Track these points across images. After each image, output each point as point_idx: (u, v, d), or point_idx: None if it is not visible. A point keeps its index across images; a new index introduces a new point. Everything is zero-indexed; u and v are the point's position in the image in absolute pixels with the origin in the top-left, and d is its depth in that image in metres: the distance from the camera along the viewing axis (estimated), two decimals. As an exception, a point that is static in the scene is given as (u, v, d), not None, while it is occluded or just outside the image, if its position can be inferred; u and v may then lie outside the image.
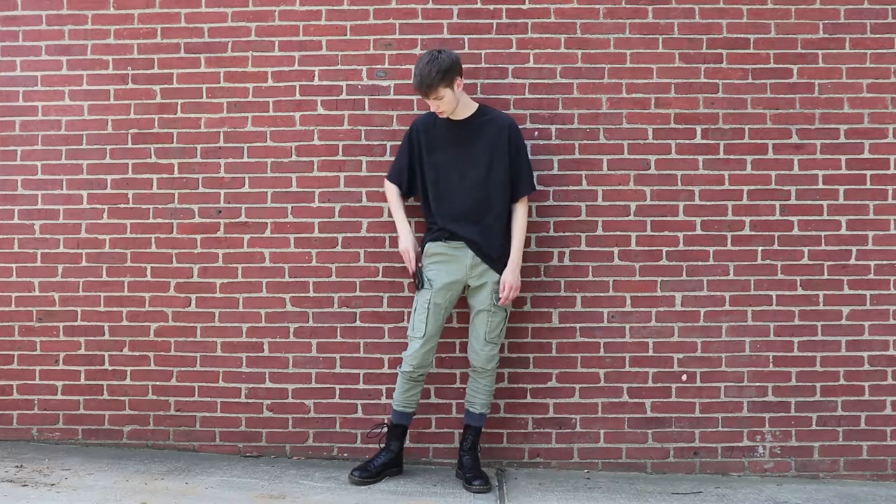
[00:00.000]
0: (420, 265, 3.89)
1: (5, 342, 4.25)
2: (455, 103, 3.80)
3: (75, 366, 4.24)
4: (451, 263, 3.84)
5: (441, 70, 3.69)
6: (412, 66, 4.05)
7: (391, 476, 3.92)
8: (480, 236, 3.83)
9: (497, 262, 3.86)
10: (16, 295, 4.25)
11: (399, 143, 4.08)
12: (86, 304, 4.23)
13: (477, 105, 3.91)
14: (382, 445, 3.94)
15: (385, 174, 4.07)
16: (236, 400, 4.21)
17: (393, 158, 4.09)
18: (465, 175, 3.84)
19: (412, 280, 3.91)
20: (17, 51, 4.27)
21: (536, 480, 3.96)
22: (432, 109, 3.82)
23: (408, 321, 4.09)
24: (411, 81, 3.96)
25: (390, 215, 4.06)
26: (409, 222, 3.98)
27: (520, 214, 3.92)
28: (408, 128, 4.00)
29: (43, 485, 3.63)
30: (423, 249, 3.93)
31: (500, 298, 3.84)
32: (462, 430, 4.00)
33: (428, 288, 3.84)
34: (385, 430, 3.97)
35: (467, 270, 3.85)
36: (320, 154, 4.21)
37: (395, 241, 4.09)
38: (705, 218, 4.16)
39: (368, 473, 3.83)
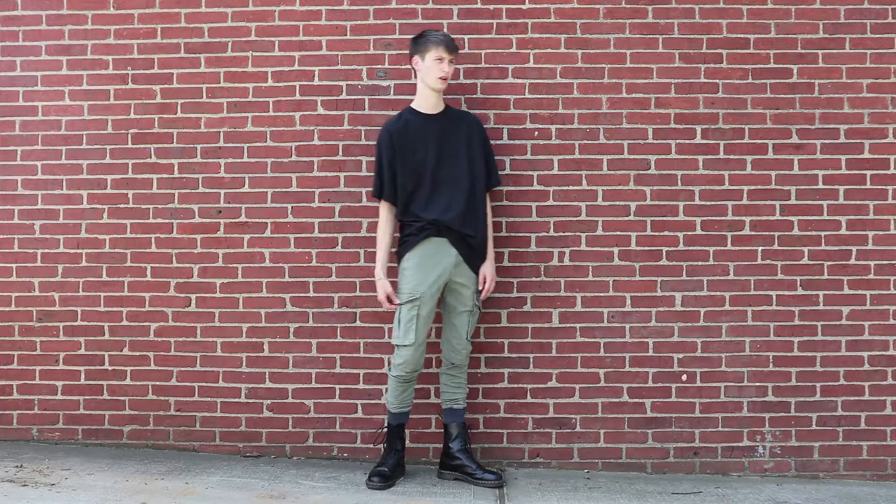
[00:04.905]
0: (399, 304, 3.83)
1: (5, 342, 4.25)
2: None
3: (75, 366, 4.24)
4: (434, 265, 3.80)
5: None
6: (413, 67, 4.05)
7: (395, 475, 3.92)
8: (473, 228, 3.84)
9: (480, 256, 3.90)
10: (16, 295, 4.25)
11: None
12: (86, 304, 4.23)
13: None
14: (385, 446, 3.92)
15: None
16: (236, 400, 4.21)
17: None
18: (451, 167, 3.84)
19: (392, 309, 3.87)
20: (17, 51, 4.26)
21: (536, 480, 3.96)
22: (444, 72, 3.80)
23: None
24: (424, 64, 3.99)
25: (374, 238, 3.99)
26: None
27: (488, 207, 3.99)
28: (377, 140, 3.93)
29: (43, 485, 3.63)
30: (399, 261, 3.87)
31: (479, 294, 3.90)
32: (455, 433, 3.93)
33: (412, 299, 3.78)
34: (386, 431, 3.95)
35: (451, 269, 3.83)
36: (320, 154, 4.21)
37: (395, 241, 4.07)
38: (705, 218, 4.16)
39: (386, 477, 3.80)
